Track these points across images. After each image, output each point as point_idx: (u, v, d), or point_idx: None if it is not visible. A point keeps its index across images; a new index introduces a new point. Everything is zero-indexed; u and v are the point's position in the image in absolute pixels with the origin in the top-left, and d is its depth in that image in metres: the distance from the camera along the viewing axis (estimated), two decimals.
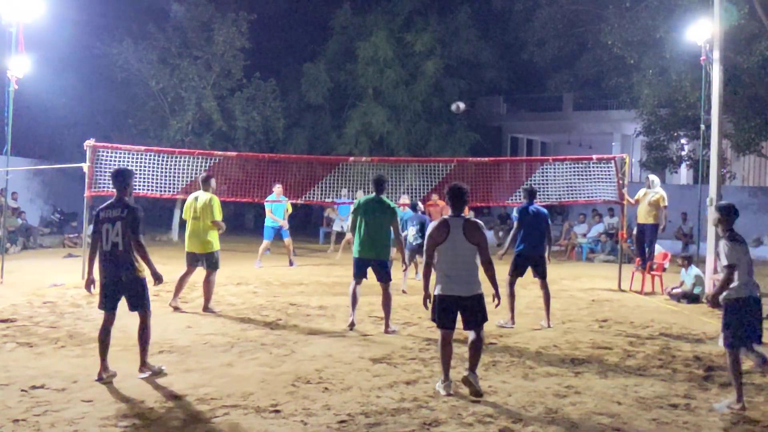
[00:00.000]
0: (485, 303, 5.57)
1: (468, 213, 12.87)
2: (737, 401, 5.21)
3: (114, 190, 5.88)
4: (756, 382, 6.02)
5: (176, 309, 8.54)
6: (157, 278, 5.75)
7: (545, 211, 8.41)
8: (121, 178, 5.88)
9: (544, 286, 8.30)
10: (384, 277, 7.71)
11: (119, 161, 11.48)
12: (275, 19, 24.29)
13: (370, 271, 7.80)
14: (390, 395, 5.34)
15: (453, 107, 14.26)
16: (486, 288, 5.59)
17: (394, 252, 8.66)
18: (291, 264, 13.62)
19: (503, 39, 24.79)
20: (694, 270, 10.47)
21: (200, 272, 8.80)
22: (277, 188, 13.18)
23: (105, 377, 5.52)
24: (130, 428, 4.54)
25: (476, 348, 5.50)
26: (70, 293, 9.58)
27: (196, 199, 8.68)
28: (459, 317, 5.56)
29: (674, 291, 10.51)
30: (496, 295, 5.61)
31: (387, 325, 7.70)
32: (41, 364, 5.96)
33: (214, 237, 8.63)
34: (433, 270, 5.62)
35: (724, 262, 5.26)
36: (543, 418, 4.91)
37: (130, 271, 5.64)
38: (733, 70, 15.90)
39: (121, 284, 5.67)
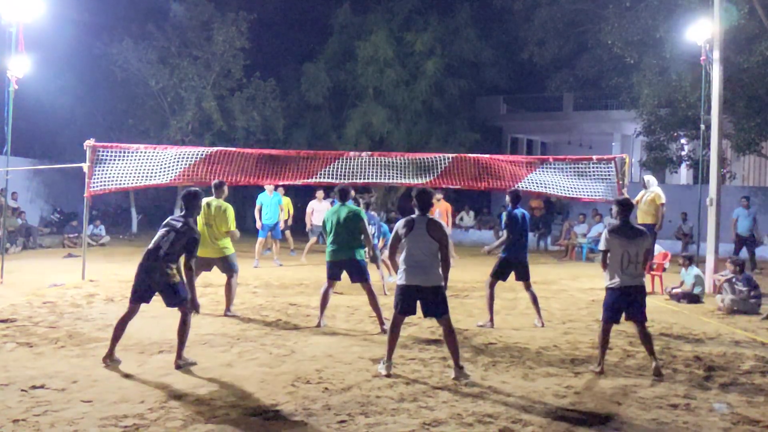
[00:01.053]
0: (446, 295, 5.94)
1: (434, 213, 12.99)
2: (598, 364, 6.14)
3: (183, 207, 6.27)
4: (756, 382, 6.03)
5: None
6: (196, 307, 6.43)
7: (528, 214, 8.49)
8: (187, 198, 6.26)
9: (528, 288, 8.31)
10: (360, 277, 7.84)
11: (119, 161, 11.47)
12: (275, 19, 24.29)
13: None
14: (390, 395, 5.34)
15: None
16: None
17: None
18: (277, 263, 13.82)
19: (503, 39, 24.79)
20: (694, 270, 10.47)
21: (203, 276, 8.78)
22: (269, 187, 13.14)
23: (109, 363, 5.85)
24: (130, 428, 4.54)
25: (451, 340, 5.90)
26: (70, 293, 9.58)
27: (208, 205, 8.41)
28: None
29: (674, 291, 10.51)
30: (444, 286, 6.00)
31: (381, 323, 7.68)
32: (41, 364, 5.96)
33: (227, 242, 8.50)
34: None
35: (599, 247, 6.36)
36: (543, 418, 4.91)
37: (164, 275, 5.92)
38: (733, 70, 15.90)
39: (154, 284, 5.98)
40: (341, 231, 7.80)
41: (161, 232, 6.06)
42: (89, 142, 11.22)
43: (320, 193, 14.48)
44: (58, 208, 19.79)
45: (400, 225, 5.98)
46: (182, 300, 6.04)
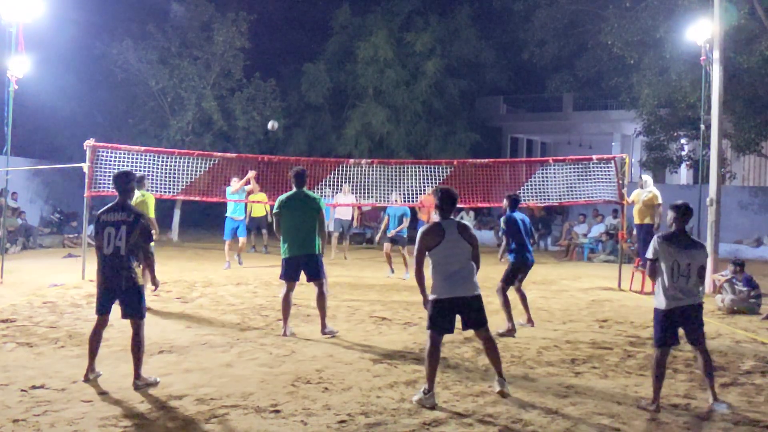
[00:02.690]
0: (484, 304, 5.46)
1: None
2: (653, 401, 5.18)
3: (116, 192, 5.72)
4: (756, 382, 6.03)
5: None
6: (156, 285, 5.96)
7: (527, 219, 8.31)
8: (123, 181, 5.69)
9: (519, 289, 8.23)
10: (316, 274, 7.29)
11: (119, 161, 11.48)
12: (275, 19, 24.31)
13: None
14: (390, 395, 5.34)
15: (269, 125, 14.50)
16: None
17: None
18: (239, 262, 13.24)
19: (503, 39, 24.80)
20: None
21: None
22: (235, 185, 12.68)
23: (91, 378, 5.49)
24: (130, 428, 4.54)
25: (494, 349, 5.48)
26: (70, 293, 9.58)
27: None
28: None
29: None
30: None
31: (323, 326, 7.36)
32: (41, 364, 5.96)
33: None
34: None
35: (647, 255, 5.47)
36: (543, 418, 4.91)
37: (130, 277, 5.47)
38: (733, 70, 15.90)
39: (119, 290, 5.49)
40: (302, 223, 7.19)
41: (108, 231, 5.44)
42: (89, 142, 11.22)
43: (346, 186, 13.82)
44: (58, 208, 19.77)
45: (425, 235, 5.31)
46: (143, 310, 5.58)
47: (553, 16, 21.49)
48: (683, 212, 5.40)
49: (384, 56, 21.30)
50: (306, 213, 7.25)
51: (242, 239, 13.25)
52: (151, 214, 8.79)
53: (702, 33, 11.64)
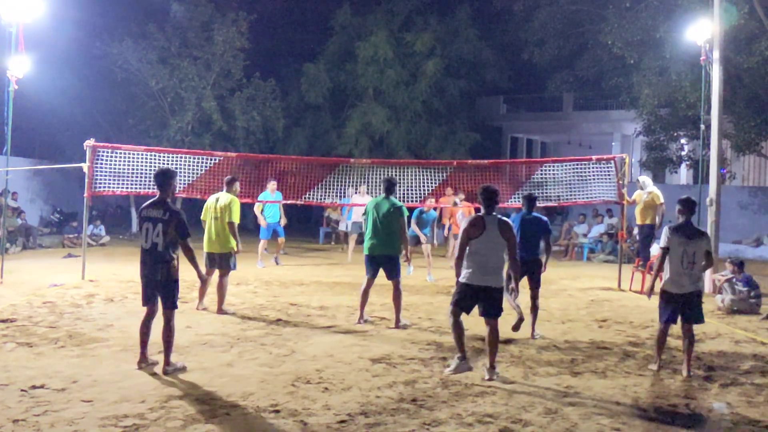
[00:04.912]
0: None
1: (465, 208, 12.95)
2: (655, 363, 6.24)
3: (157, 189, 5.99)
4: (756, 382, 6.03)
5: (204, 309, 8.66)
6: (203, 280, 6.58)
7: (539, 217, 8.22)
8: (163, 178, 5.98)
9: (516, 288, 8.19)
10: (393, 273, 7.97)
11: (119, 161, 11.48)
12: (275, 19, 24.30)
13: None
14: (390, 395, 5.34)
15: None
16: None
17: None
18: (276, 263, 13.58)
19: (503, 39, 24.80)
20: None
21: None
22: (271, 185, 12.97)
23: (143, 366, 5.84)
24: (130, 428, 4.54)
25: (496, 341, 5.97)
26: (70, 293, 9.58)
27: (217, 200, 8.72)
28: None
29: None
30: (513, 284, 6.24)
31: (397, 320, 7.95)
32: (41, 364, 5.96)
33: (231, 240, 8.62)
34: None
35: (660, 244, 6.30)
36: (543, 418, 4.91)
37: (166, 271, 5.82)
38: (733, 70, 15.90)
39: (157, 282, 5.87)
40: (383, 226, 7.87)
41: (146, 227, 5.81)
42: (89, 142, 11.22)
43: (363, 188, 13.69)
44: (58, 208, 19.78)
45: (469, 225, 5.89)
46: (175, 301, 5.93)
47: (553, 16, 21.49)
48: (688, 205, 6.27)
49: (384, 56, 21.31)
50: (388, 217, 7.89)
51: (281, 239, 13.65)
52: (236, 218, 8.59)
53: (702, 33, 11.64)
